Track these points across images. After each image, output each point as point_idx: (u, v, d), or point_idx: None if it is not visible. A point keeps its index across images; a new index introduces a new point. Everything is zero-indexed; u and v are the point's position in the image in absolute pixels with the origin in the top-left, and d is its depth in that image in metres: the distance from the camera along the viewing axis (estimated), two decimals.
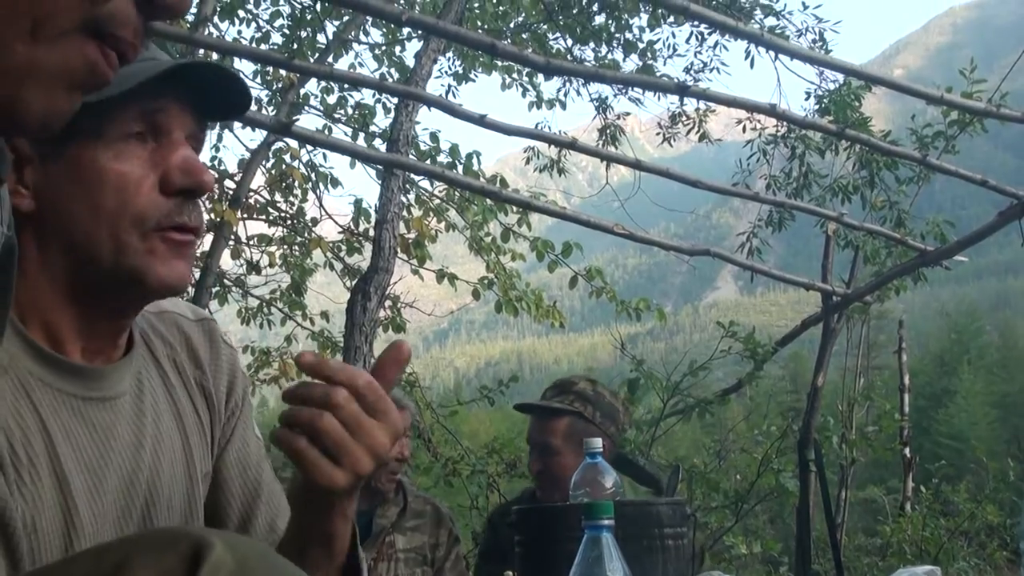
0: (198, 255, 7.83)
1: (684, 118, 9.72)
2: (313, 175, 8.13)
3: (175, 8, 0.68)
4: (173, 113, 1.25)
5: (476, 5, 8.51)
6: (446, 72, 9.12)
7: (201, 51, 7.04)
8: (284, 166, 7.96)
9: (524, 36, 8.95)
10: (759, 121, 9.00)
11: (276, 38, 8.62)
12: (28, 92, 0.64)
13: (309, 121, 10.11)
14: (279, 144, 7.79)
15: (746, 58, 7.94)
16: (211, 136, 9.15)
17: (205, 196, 1.29)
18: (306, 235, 8.10)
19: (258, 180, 7.89)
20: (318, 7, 8.21)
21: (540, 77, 9.14)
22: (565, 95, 9.48)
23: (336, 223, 8.14)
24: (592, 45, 9.17)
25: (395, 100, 7.41)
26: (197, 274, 7.56)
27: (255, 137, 8.26)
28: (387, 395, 1.20)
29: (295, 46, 8.41)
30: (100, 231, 1.19)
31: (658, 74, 9.15)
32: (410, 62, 8.03)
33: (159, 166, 1.23)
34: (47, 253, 1.21)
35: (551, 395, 3.37)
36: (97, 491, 1.20)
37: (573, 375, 3.59)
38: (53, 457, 1.15)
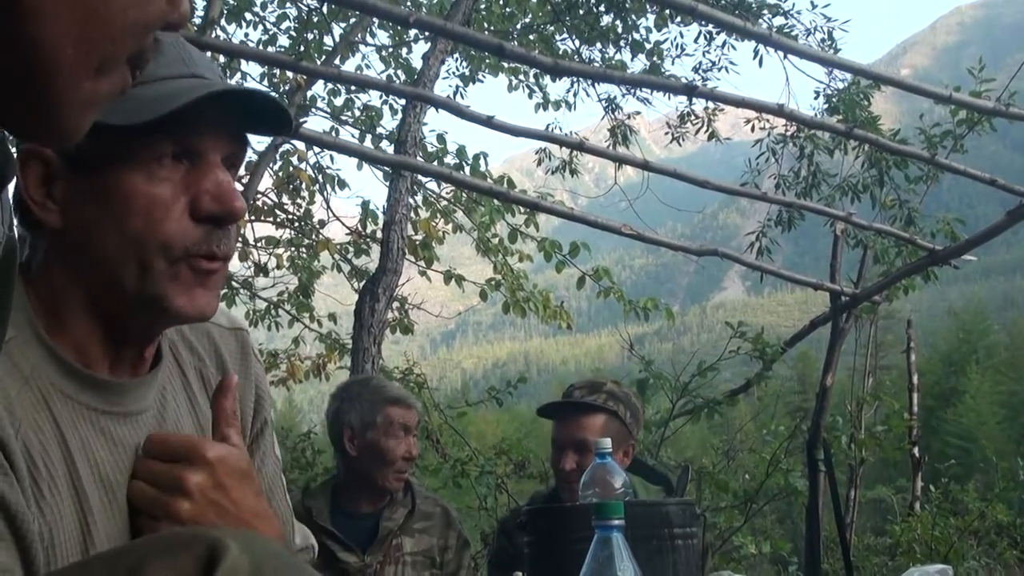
0: None
1: (693, 117, 9.72)
2: (320, 177, 8.14)
3: (179, 26, 0.74)
4: (208, 135, 1.22)
5: (483, 6, 8.51)
6: (453, 73, 9.13)
7: (208, 53, 7.07)
8: (291, 168, 7.97)
9: (531, 37, 8.95)
10: (767, 121, 9.00)
11: (283, 40, 8.63)
12: (84, 118, 0.71)
13: (316, 123, 10.13)
14: (286, 146, 7.80)
15: (754, 57, 7.94)
16: None
17: None
18: (313, 237, 8.11)
19: (265, 182, 7.91)
20: (324, 9, 8.21)
21: (547, 78, 9.14)
22: (575, 95, 9.49)
23: (344, 225, 8.15)
24: (599, 46, 9.17)
25: (402, 102, 7.42)
26: None
27: (262, 139, 8.25)
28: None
29: (301, 48, 8.41)
30: (127, 255, 1.17)
31: (666, 74, 9.16)
32: (417, 64, 8.04)
33: (190, 189, 1.20)
34: (73, 269, 1.20)
35: (581, 394, 3.36)
36: (112, 507, 1.18)
37: (597, 376, 3.58)
38: (72, 470, 1.14)
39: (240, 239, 7.58)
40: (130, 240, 1.17)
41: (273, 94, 1.31)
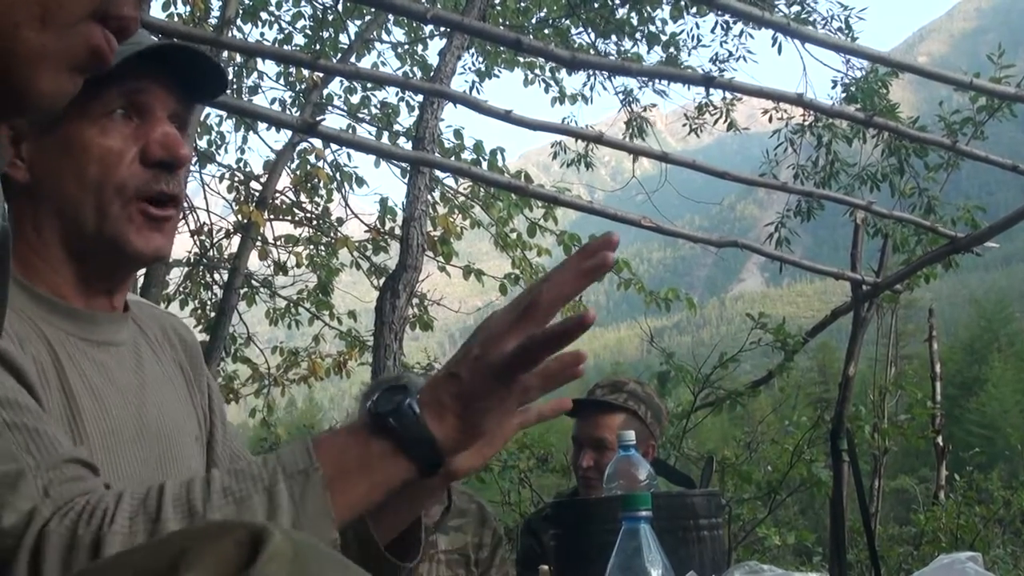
0: (225, 256, 7.88)
1: (711, 107, 9.70)
2: (338, 175, 8.16)
3: None
4: (155, 93, 1.35)
5: (497, 1, 8.51)
6: (469, 69, 9.14)
7: (226, 53, 7.09)
8: (309, 166, 7.99)
9: (546, 31, 8.94)
10: (785, 111, 8.97)
11: (298, 39, 8.65)
12: (38, 77, 0.67)
13: (333, 121, 10.15)
14: (303, 145, 7.82)
15: (773, 45, 7.91)
16: (236, 138, 9.20)
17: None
18: (332, 235, 8.13)
19: (284, 181, 7.93)
20: (340, 7, 8.23)
21: (563, 72, 9.14)
22: (591, 89, 9.48)
23: (362, 222, 8.16)
24: (615, 38, 9.16)
25: (418, 98, 7.43)
26: (225, 276, 7.62)
27: (280, 138, 8.30)
28: None
29: (317, 47, 8.44)
30: (86, 199, 1.31)
31: (683, 65, 9.14)
32: (432, 60, 8.05)
33: (140, 140, 1.34)
34: (42, 218, 1.33)
35: (603, 392, 3.37)
36: (101, 410, 1.29)
37: (621, 375, 3.58)
38: (62, 377, 1.26)
39: (259, 238, 7.60)
40: (88, 185, 1.31)
41: (199, 49, 1.39)
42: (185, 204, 7.15)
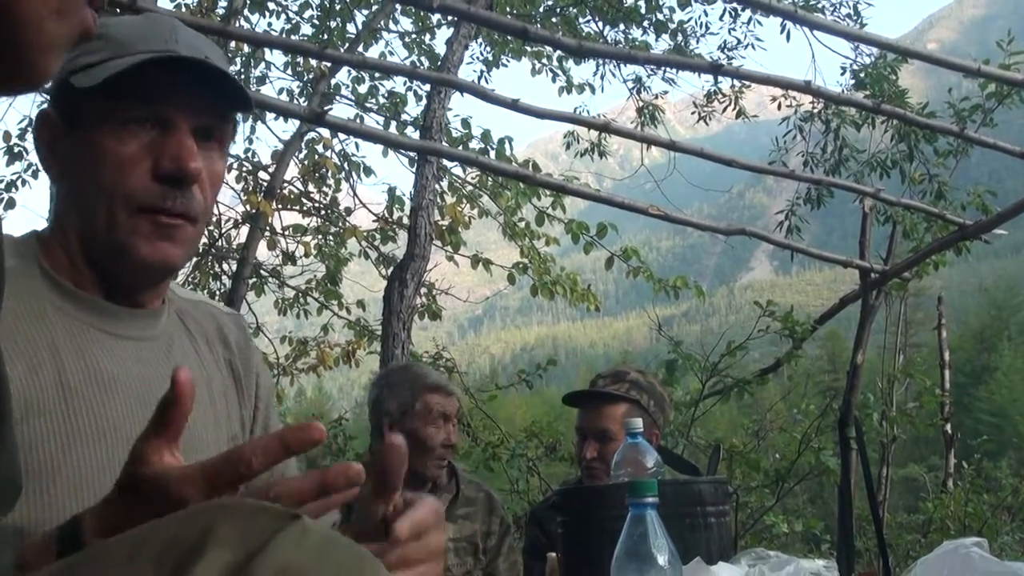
0: (234, 246, 7.90)
1: (720, 95, 9.67)
2: (346, 164, 8.17)
3: None
4: (178, 104, 1.32)
5: None
6: (477, 58, 9.12)
7: (233, 43, 7.10)
8: (317, 156, 8.00)
9: (554, 20, 8.92)
10: (794, 98, 8.94)
11: (305, 29, 8.65)
12: (50, 61, 0.72)
13: (341, 111, 10.15)
14: (311, 134, 7.82)
15: (781, 32, 7.88)
16: (244, 128, 9.21)
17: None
18: (340, 224, 8.14)
19: (292, 171, 7.94)
20: None
21: (570, 62, 9.11)
22: (602, 78, 9.46)
23: (370, 212, 8.17)
24: (622, 27, 9.13)
25: (426, 88, 7.42)
26: (234, 265, 7.63)
27: (288, 128, 8.30)
28: None
29: (324, 36, 8.43)
30: (98, 204, 1.31)
31: (692, 51, 9.11)
32: (440, 50, 8.04)
33: (155, 152, 1.31)
34: (66, 216, 1.36)
35: (604, 383, 3.38)
36: (109, 400, 1.27)
37: (623, 364, 3.59)
38: (60, 369, 1.25)
39: (268, 227, 7.61)
40: (101, 191, 1.31)
41: (219, 66, 1.34)
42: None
